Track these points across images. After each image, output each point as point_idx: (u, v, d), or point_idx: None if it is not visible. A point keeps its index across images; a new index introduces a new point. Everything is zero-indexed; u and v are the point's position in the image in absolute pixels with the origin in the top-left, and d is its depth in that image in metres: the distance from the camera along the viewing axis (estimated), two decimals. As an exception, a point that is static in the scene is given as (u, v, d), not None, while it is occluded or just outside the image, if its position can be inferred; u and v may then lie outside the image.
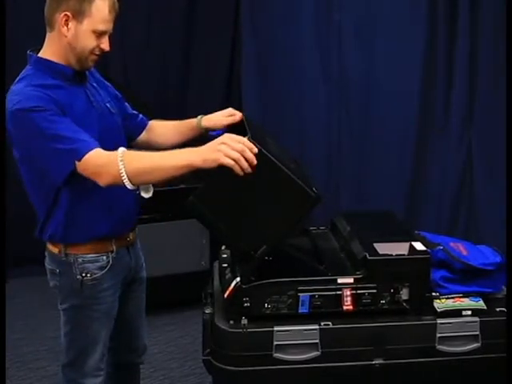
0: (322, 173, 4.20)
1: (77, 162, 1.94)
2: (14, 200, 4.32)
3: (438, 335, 2.02)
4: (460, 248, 2.20)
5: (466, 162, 3.74)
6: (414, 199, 3.98)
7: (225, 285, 2.07)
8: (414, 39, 3.80)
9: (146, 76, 4.62)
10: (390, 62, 3.92)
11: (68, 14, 2.00)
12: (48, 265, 2.21)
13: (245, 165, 1.82)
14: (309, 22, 4.22)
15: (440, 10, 3.72)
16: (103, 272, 2.15)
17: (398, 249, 2.08)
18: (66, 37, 2.03)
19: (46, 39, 2.10)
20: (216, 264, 2.38)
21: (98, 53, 2.08)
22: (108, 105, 2.19)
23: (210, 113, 4.93)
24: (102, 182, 1.95)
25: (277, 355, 1.98)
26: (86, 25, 2.02)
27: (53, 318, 3.95)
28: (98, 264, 2.14)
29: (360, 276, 2.01)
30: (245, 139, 1.85)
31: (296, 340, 1.98)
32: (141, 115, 2.38)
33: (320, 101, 4.22)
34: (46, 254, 2.22)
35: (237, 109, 4.89)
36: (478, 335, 2.03)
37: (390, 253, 2.05)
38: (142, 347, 2.45)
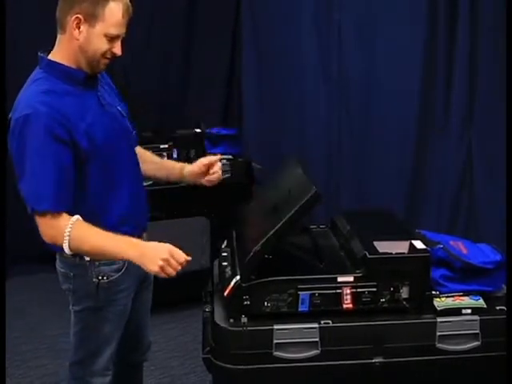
0: (322, 172, 4.20)
1: (35, 211, 1.97)
2: (14, 198, 4.34)
3: (438, 334, 2.02)
4: (460, 246, 2.20)
5: (466, 162, 3.73)
6: (414, 198, 3.97)
7: (225, 283, 2.07)
8: (413, 39, 3.79)
9: (146, 76, 4.62)
10: (390, 61, 3.91)
11: (80, 16, 1.98)
12: (60, 268, 2.19)
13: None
14: (309, 21, 4.22)
15: (440, 9, 3.71)
16: (119, 274, 2.14)
17: (398, 247, 2.08)
18: (77, 40, 2.01)
19: (57, 41, 2.08)
20: (216, 262, 2.38)
21: (109, 56, 2.06)
22: (119, 108, 2.17)
23: (210, 113, 4.95)
24: (45, 239, 2.01)
25: (277, 353, 1.98)
26: (99, 28, 1.99)
27: (52, 316, 3.98)
28: (115, 266, 2.14)
29: (360, 274, 2.01)
30: (184, 258, 1.94)
31: (296, 338, 1.98)
32: (134, 132, 2.34)
33: (320, 100, 4.22)
34: (58, 256, 2.20)
35: (237, 108, 4.91)
36: (477, 334, 2.04)
37: (389, 251, 2.05)
38: (147, 345, 2.45)
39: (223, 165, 2.48)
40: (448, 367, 2.03)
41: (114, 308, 2.18)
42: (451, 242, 2.21)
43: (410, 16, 3.82)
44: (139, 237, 2.19)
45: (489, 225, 3.56)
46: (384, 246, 2.07)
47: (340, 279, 2.01)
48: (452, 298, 2.08)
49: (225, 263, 2.20)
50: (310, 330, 1.98)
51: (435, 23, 3.74)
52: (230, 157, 4.19)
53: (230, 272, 2.12)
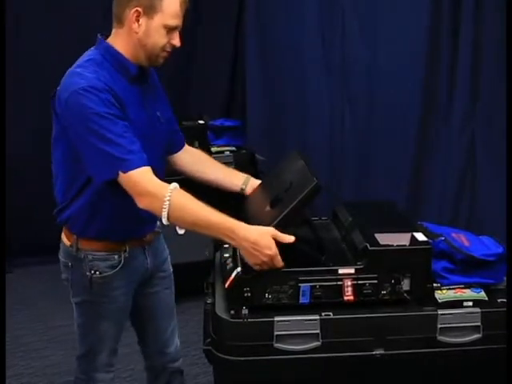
0: (325, 162, 4.20)
1: (120, 173, 1.91)
2: (16, 191, 4.35)
3: (439, 326, 2.01)
4: (462, 239, 2.19)
5: (469, 152, 3.73)
6: (416, 189, 3.97)
7: (226, 275, 2.07)
8: (417, 28, 3.79)
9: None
10: (393, 50, 3.91)
11: (139, 9, 1.98)
12: (62, 257, 2.20)
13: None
14: (312, 12, 4.23)
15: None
16: (114, 271, 2.13)
17: (400, 239, 2.07)
18: (136, 33, 2.01)
19: (114, 35, 2.08)
20: (218, 254, 2.38)
21: (168, 49, 2.06)
22: (158, 113, 2.15)
23: (214, 104, 4.95)
24: (140, 204, 1.94)
25: (277, 345, 1.97)
26: (157, 20, 1.99)
27: (55, 307, 3.99)
28: (109, 263, 2.13)
29: (361, 266, 2.00)
30: (281, 265, 1.94)
31: (297, 330, 1.97)
32: (180, 133, 2.35)
33: (323, 91, 4.24)
34: (60, 246, 2.21)
35: (241, 100, 4.90)
36: (479, 326, 2.02)
37: (391, 243, 2.04)
38: (174, 351, 2.41)
39: None
40: (449, 359, 2.02)
41: (109, 305, 2.17)
42: (453, 234, 2.20)
43: (413, 4, 3.81)
44: (143, 235, 2.20)
45: (491, 216, 3.55)
46: (385, 238, 2.06)
47: (341, 271, 2.00)
48: (453, 291, 2.07)
49: (226, 255, 2.20)
50: (310, 321, 1.98)
51: (438, 11, 3.73)
52: (234, 148, 4.19)
53: (231, 264, 2.11)
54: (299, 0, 4.31)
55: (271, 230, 1.92)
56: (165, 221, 1.92)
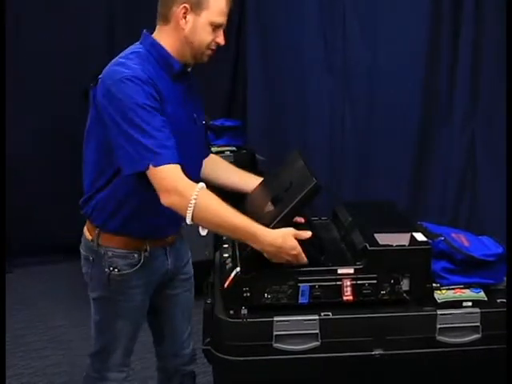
0: (325, 162, 4.20)
1: (151, 166, 1.90)
2: (16, 191, 4.36)
3: (439, 326, 2.01)
4: (462, 239, 2.18)
5: (469, 152, 3.73)
6: (416, 189, 3.98)
7: (225, 275, 2.07)
8: (417, 28, 3.80)
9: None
10: (393, 50, 3.91)
11: (187, 6, 2.00)
12: (83, 251, 2.20)
13: None
14: (313, 12, 4.22)
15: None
16: (133, 270, 2.12)
17: (399, 239, 2.07)
18: (183, 30, 2.02)
19: (158, 32, 2.09)
20: (217, 254, 2.38)
21: (213, 47, 2.07)
22: (195, 115, 2.15)
23: (214, 104, 4.94)
24: (165, 201, 1.92)
25: (276, 345, 1.97)
26: (204, 17, 2.01)
27: (56, 307, 4.00)
28: (129, 261, 2.12)
29: (360, 266, 2.00)
30: (305, 259, 1.98)
31: (296, 330, 1.97)
32: (209, 144, 2.38)
33: (324, 91, 4.22)
34: (82, 239, 2.20)
35: (241, 100, 4.89)
36: (478, 326, 2.02)
37: (390, 243, 2.04)
38: (188, 354, 2.40)
39: None
40: (448, 360, 2.01)
41: (126, 303, 2.16)
42: (453, 235, 2.20)
43: (414, 5, 3.81)
44: (165, 236, 2.19)
45: (491, 216, 3.56)
46: (385, 238, 2.06)
47: (340, 271, 2.00)
48: (453, 291, 2.07)
49: (226, 255, 2.20)
50: (310, 321, 1.97)
51: (438, 12, 3.74)
52: (234, 148, 4.19)
53: (230, 264, 2.11)
54: (300, 0, 4.31)
55: (292, 231, 1.95)
56: (189, 220, 1.92)
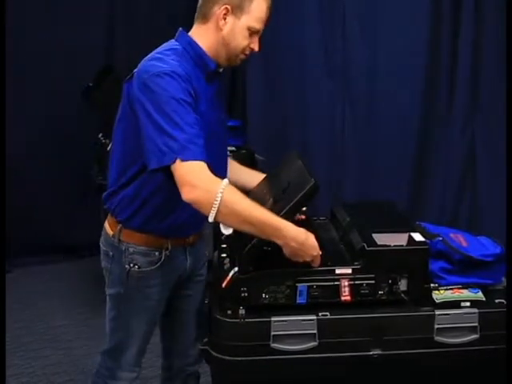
0: (325, 163, 4.20)
1: (178, 161, 1.87)
2: (16, 191, 4.36)
3: (436, 326, 2.01)
4: (460, 239, 2.19)
5: (469, 152, 3.73)
6: (416, 189, 3.98)
7: (223, 275, 2.07)
8: (417, 28, 3.79)
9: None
10: (393, 50, 3.92)
11: (228, 7, 2.00)
12: (103, 246, 2.18)
13: None
14: (313, 12, 4.22)
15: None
16: (152, 268, 2.11)
17: (397, 239, 2.07)
18: (221, 30, 2.02)
19: (196, 30, 2.09)
20: (215, 254, 2.38)
21: (247, 52, 2.08)
22: (222, 116, 2.17)
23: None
24: (188, 196, 1.88)
25: (274, 345, 1.97)
26: (244, 21, 2.02)
27: (56, 307, 4.00)
28: (149, 258, 2.11)
29: (358, 267, 2.00)
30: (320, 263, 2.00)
31: (293, 330, 1.98)
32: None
33: (324, 91, 4.23)
34: (103, 234, 2.19)
35: (241, 100, 4.89)
36: (476, 327, 2.02)
37: (388, 243, 2.04)
38: (195, 354, 2.38)
39: None
40: (446, 360, 2.02)
41: (144, 301, 2.15)
42: (451, 235, 2.20)
43: (414, 5, 3.81)
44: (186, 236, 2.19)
45: (492, 216, 3.55)
46: (383, 239, 2.06)
47: (338, 271, 2.00)
48: (451, 291, 2.07)
49: (224, 255, 2.20)
50: (307, 321, 1.98)
51: (438, 12, 3.73)
52: (233, 148, 4.19)
53: (228, 264, 2.11)
54: (300, 1, 4.31)
55: (316, 245, 1.97)
56: (211, 217, 1.87)
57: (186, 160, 1.87)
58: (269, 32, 4.44)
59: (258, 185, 2.34)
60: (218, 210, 1.86)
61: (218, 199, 1.85)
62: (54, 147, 4.61)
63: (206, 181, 1.88)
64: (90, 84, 3.89)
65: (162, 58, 1.99)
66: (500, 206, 3.26)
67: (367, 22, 4.00)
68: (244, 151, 4.20)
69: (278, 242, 1.93)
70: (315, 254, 1.96)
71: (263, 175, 2.38)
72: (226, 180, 1.91)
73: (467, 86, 3.73)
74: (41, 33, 4.47)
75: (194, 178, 1.88)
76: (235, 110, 4.91)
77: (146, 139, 1.93)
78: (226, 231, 2.04)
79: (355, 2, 4.03)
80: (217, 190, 1.86)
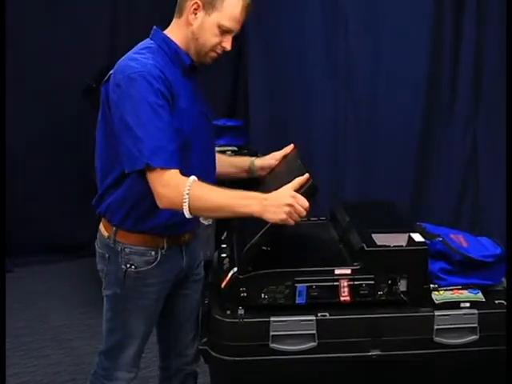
0: (328, 162, 4.19)
1: (149, 166, 1.91)
2: (16, 191, 4.36)
3: (436, 327, 2.00)
4: (460, 240, 2.18)
5: (472, 152, 3.73)
6: (418, 190, 3.97)
7: (222, 275, 2.07)
8: (420, 27, 3.79)
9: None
10: (396, 50, 3.91)
11: (199, 2, 2.00)
12: (98, 248, 2.18)
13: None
14: (315, 11, 4.21)
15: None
16: (149, 267, 2.11)
17: (397, 240, 2.06)
18: (191, 25, 2.03)
19: (172, 25, 2.10)
20: (215, 254, 2.38)
21: (218, 51, 2.07)
22: (205, 109, 2.17)
23: (216, 105, 4.92)
24: (159, 205, 1.94)
25: (273, 345, 1.97)
26: (214, 18, 2.01)
27: (56, 307, 4.00)
28: (145, 258, 2.11)
29: (357, 267, 2.00)
30: (307, 204, 1.90)
31: (293, 330, 1.97)
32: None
33: (326, 91, 4.22)
34: (98, 236, 2.20)
35: (243, 100, 4.89)
36: (476, 327, 2.02)
37: (387, 244, 2.03)
38: (192, 354, 2.38)
39: None
40: (445, 361, 2.01)
41: (140, 301, 2.15)
42: (451, 235, 2.19)
43: (416, 5, 3.80)
44: (182, 234, 2.19)
45: (493, 217, 3.55)
46: (382, 239, 2.06)
47: (337, 271, 2.00)
48: (451, 292, 2.06)
49: (224, 255, 2.20)
50: (306, 322, 1.97)
51: (441, 12, 3.73)
52: (235, 148, 4.19)
53: (228, 264, 2.11)
54: (302, 0, 4.30)
55: (289, 191, 1.91)
56: (187, 213, 1.92)
57: (157, 166, 1.91)
58: (271, 32, 4.50)
59: (258, 185, 2.34)
60: (189, 207, 1.90)
61: (187, 197, 1.89)
62: (54, 147, 4.61)
63: (174, 186, 1.92)
64: (94, 85, 3.88)
65: (137, 58, 2.00)
66: (501, 207, 3.25)
67: (369, 22, 4.00)
68: (246, 151, 4.19)
69: (253, 211, 1.91)
70: (289, 201, 1.88)
71: (251, 159, 2.39)
72: (192, 177, 1.93)
73: (469, 86, 3.72)
74: (41, 33, 4.47)
75: (163, 188, 1.93)
76: (238, 109, 4.92)
77: (120, 142, 1.96)
78: (206, 222, 2.05)
79: (357, 2, 4.03)
80: (184, 189, 1.90)
